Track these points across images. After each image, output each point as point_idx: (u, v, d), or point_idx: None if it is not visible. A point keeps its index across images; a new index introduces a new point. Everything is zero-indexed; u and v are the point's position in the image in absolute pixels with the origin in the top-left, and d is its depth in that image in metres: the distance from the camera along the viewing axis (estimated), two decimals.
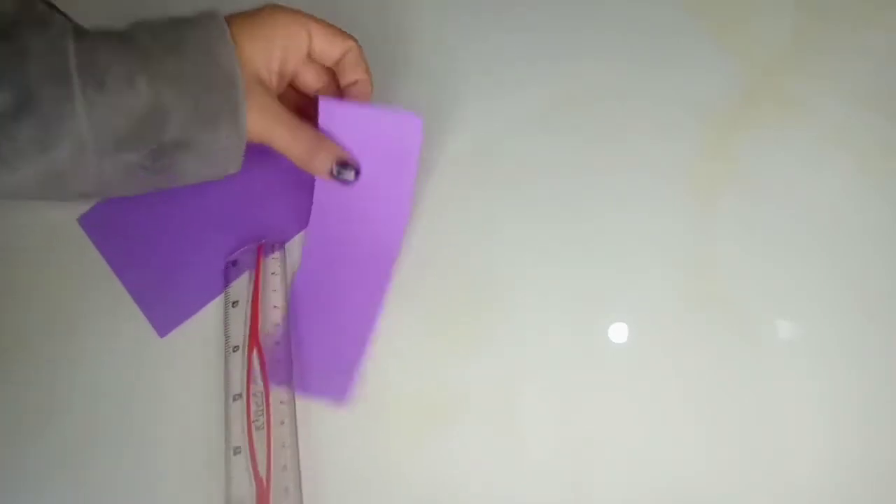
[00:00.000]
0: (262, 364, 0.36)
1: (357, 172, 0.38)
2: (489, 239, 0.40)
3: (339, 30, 0.38)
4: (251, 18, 0.35)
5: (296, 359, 0.37)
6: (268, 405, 0.35)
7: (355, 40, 0.38)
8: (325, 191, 0.40)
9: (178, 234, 0.41)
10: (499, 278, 0.39)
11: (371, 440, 0.36)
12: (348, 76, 0.39)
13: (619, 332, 0.38)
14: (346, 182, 0.38)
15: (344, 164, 0.37)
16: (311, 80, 0.39)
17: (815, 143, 0.42)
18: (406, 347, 0.38)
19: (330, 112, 0.37)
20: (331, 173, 0.37)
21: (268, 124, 0.35)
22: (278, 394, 0.36)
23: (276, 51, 0.36)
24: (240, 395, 0.36)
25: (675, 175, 0.42)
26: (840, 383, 0.36)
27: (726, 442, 0.35)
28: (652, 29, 0.46)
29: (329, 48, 0.37)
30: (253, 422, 0.35)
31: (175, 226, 0.41)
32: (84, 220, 0.41)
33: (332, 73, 0.39)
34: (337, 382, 0.37)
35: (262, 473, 0.34)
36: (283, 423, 0.35)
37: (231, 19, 0.35)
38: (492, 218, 0.41)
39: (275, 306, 0.38)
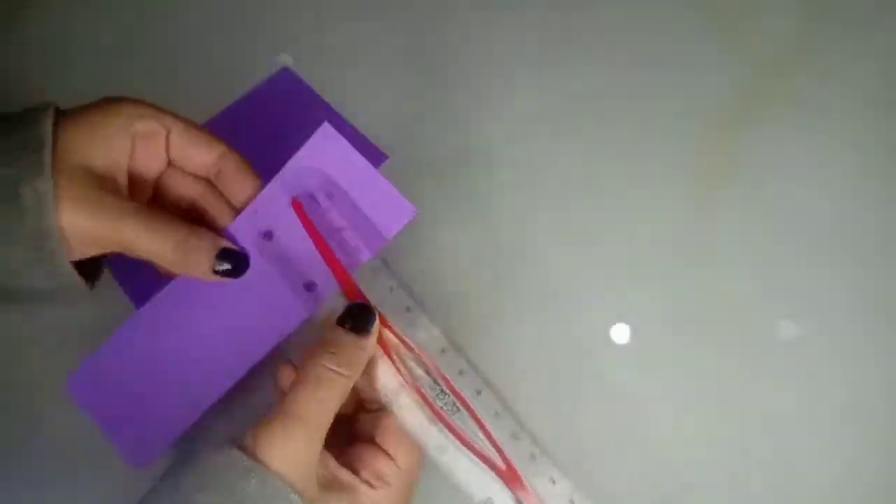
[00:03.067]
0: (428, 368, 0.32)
1: (245, 263, 0.31)
2: (489, 239, 0.40)
3: (207, 132, 0.32)
4: (87, 108, 0.30)
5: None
6: (453, 390, 0.31)
7: (227, 146, 0.32)
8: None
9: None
10: (499, 278, 0.39)
11: None
12: (234, 190, 0.32)
13: (620, 333, 0.38)
14: (229, 277, 0.31)
15: (226, 255, 0.31)
16: (181, 188, 0.32)
17: (817, 142, 0.42)
18: None
19: (327, 138, 0.32)
20: (213, 271, 0.30)
21: (104, 220, 0.28)
22: (453, 367, 0.31)
23: (117, 140, 0.29)
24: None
25: (676, 174, 0.42)
26: (840, 383, 0.36)
27: (726, 441, 0.35)
28: (654, 29, 0.46)
29: (195, 152, 0.31)
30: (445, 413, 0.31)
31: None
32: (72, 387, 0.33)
33: (209, 184, 0.33)
34: (141, 445, 0.32)
35: (496, 458, 0.30)
36: (479, 392, 0.31)
37: (69, 111, 0.30)
38: (492, 218, 0.41)
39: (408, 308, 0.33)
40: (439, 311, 0.38)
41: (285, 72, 0.45)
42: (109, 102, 0.30)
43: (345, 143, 0.32)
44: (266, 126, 0.44)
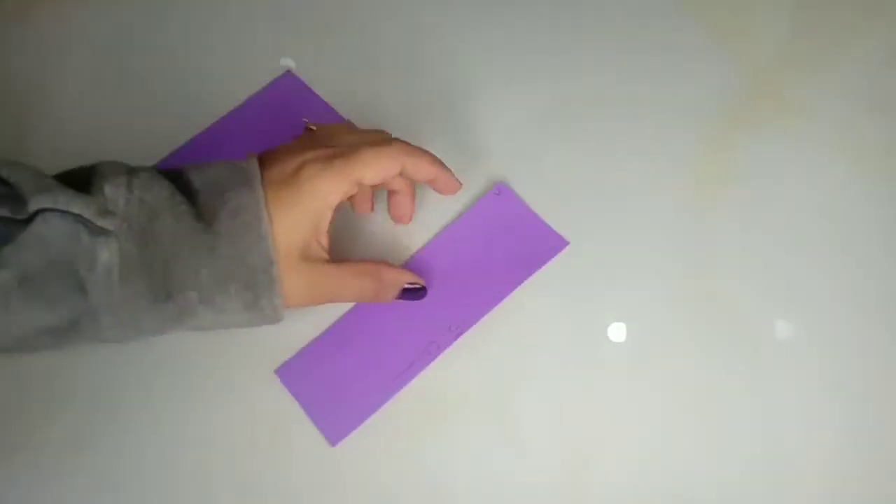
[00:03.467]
0: None
1: (422, 294, 0.38)
2: None
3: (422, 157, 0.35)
4: (291, 197, 0.33)
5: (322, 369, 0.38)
6: None
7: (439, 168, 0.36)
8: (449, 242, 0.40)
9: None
10: None
11: (370, 439, 0.36)
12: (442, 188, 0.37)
13: (618, 332, 0.38)
14: (414, 299, 0.38)
15: (408, 289, 0.37)
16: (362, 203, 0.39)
17: (814, 144, 0.43)
18: None
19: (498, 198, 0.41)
20: (399, 298, 0.37)
21: (319, 293, 0.34)
22: None
23: (320, 220, 0.33)
24: None
25: (674, 175, 0.42)
26: (840, 383, 0.36)
27: (726, 442, 0.35)
28: (652, 31, 0.47)
29: (413, 171, 0.35)
30: None
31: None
32: (281, 372, 0.38)
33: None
34: (338, 422, 0.37)
35: None
36: None
37: (271, 200, 0.33)
38: None
39: None
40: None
41: (288, 75, 0.46)
42: (309, 185, 0.33)
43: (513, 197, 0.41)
44: (271, 129, 0.44)
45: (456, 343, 0.38)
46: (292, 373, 0.38)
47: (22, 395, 0.38)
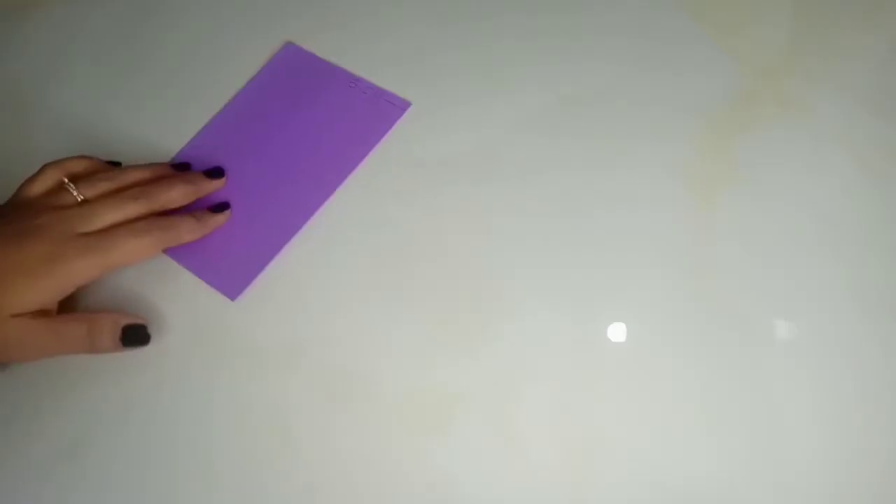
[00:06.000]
0: None
1: (144, 336, 0.38)
2: (490, 238, 0.41)
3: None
4: (31, 278, 0.35)
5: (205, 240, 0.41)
6: None
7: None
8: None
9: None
10: (499, 278, 0.40)
11: (370, 439, 0.36)
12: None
13: (617, 332, 0.38)
14: (140, 345, 0.38)
15: (129, 329, 0.37)
16: None
17: (814, 144, 0.43)
18: (406, 346, 0.38)
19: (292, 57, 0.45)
20: (121, 345, 0.37)
21: (30, 350, 0.35)
22: None
23: (55, 298, 0.36)
24: None
25: (674, 176, 0.42)
26: (839, 383, 0.36)
27: (725, 441, 0.35)
28: (651, 31, 0.47)
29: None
30: None
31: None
32: None
33: None
34: (234, 279, 0.40)
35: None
36: None
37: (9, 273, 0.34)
38: (492, 218, 0.41)
39: None
40: (436, 308, 0.39)
41: (289, 47, 0.46)
42: (60, 269, 0.35)
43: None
44: (283, 101, 0.46)
45: (456, 342, 0.38)
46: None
47: (22, 395, 0.38)
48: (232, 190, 0.43)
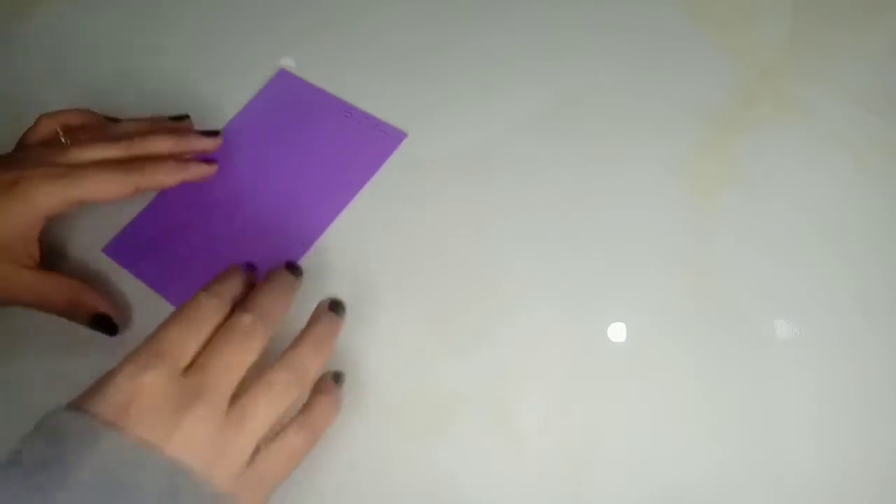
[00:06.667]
0: None
1: (115, 329, 0.37)
2: (489, 239, 0.41)
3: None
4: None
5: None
6: None
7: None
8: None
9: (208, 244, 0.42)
10: (499, 278, 0.40)
11: (370, 439, 0.36)
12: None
13: (618, 331, 0.38)
14: (105, 332, 0.37)
15: (99, 321, 0.37)
16: None
17: (813, 143, 0.43)
18: (406, 346, 0.38)
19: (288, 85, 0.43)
20: (90, 325, 0.37)
21: (9, 294, 0.35)
22: None
23: (28, 226, 0.35)
24: None
25: (674, 175, 0.42)
26: (839, 383, 0.36)
27: (725, 441, 0.35)
28: (651, 30, 0.47)
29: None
30: None
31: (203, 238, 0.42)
32: (109, 251, 0.42)
33: None
34: (181, 284, 0.39)
35: None
36: None
37: None
38: (492, 218, 0.41)
39: None
40: (437, 310, 0.39)
41: (283, 73, 0.46)
42: (23, 190, 0.34)
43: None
44: (277, 131, 0.45)
45: (456, 342, 0.38)
46: (121, 249, 0.41)
47: (22, 396, 0.38)
48: (223, 221, 0.42)
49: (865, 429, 0.35)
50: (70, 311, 0.37)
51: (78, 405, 0.27)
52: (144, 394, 0.28)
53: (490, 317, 0.38)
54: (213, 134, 0.41)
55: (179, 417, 0.28)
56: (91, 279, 0.40)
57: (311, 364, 0.32)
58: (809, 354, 0.37)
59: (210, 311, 0.31)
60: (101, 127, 0.40)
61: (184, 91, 0.46)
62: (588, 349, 0.38)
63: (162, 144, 0.39)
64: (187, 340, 0.30)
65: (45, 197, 0.34)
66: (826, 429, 0.35)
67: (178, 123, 0.42)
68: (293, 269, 0.35)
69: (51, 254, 0.40)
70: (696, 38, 0.46)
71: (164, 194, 0.42)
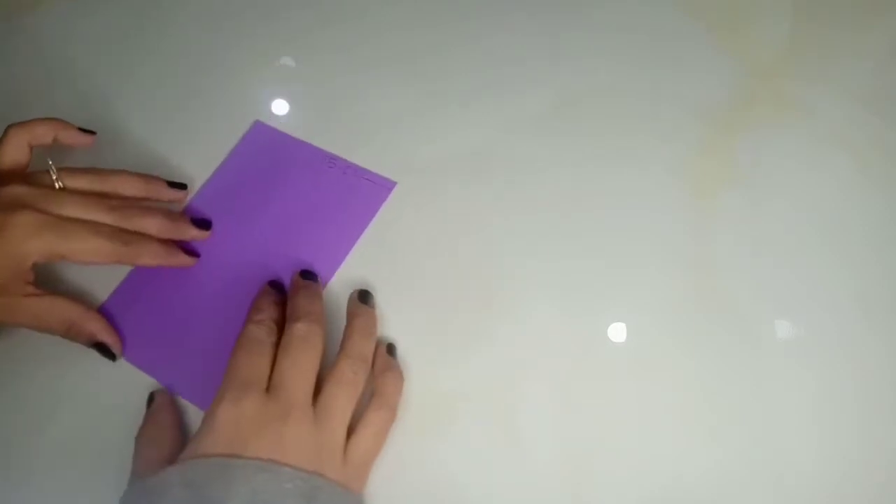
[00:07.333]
0: None
1: (113, 357, 0.37)
2: (489, 239, 0.41)
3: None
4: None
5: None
6: None
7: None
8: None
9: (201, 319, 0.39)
10: (499, 278, 0.40)
11: None
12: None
13: (618, 332, 0.38)
14: (105, 356, 0.37)
15: (99, 347, 0.37)
16: None
17: (814, 143, 0.43)
18: (406, 346, 0.38)
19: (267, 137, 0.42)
20: (92, 347, 0.37)
21: (7, 319, 0.35)
22: None
23: (21, 262, 0.35)
24: None
25: (674, 175, 0.42)
26: (839, 383, 0.36)
27: (725, 441, 0.35)
28: (651, 31, 0.47)
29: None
30: None
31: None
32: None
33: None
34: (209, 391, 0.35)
35: None
36: None
37: None
38: (492, 218, 0.41)
39: None
40: (435, 310, 0.39)
41: (258, 126, 0.44)
42: (10, 238, 0.34)
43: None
44: (259, 188, 0.43)
45: (457, 342, 0.38)
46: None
47: (22, 396, 0.38)
48: (208, 282, 0.40)
49: (865, 429, 0.35)
50: (70, 336, 0.37)
51: (195, 454, 0.30)
52: (247, 420, 0.31)
53: (490, 317, 0.38)
54: (203, 225, 0.41)
55: (282, 431, 0.31)
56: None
57: (366, 349, 0.36)
58: (809, 354, 0.37)
59: (263, 334, 0.35)
60: (96, 171, 0.39)
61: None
62: (588, 349, 0.38)
63: (153, 226, 0.39)
64: (258, 365, 0.33)
65: (32, 248, 0.35)
66: (826, 429, 0.35)
67: (171, 205, 0.42)
68: (307, 275, 0.39)
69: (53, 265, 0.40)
70: (696, 38, 0.46)
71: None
